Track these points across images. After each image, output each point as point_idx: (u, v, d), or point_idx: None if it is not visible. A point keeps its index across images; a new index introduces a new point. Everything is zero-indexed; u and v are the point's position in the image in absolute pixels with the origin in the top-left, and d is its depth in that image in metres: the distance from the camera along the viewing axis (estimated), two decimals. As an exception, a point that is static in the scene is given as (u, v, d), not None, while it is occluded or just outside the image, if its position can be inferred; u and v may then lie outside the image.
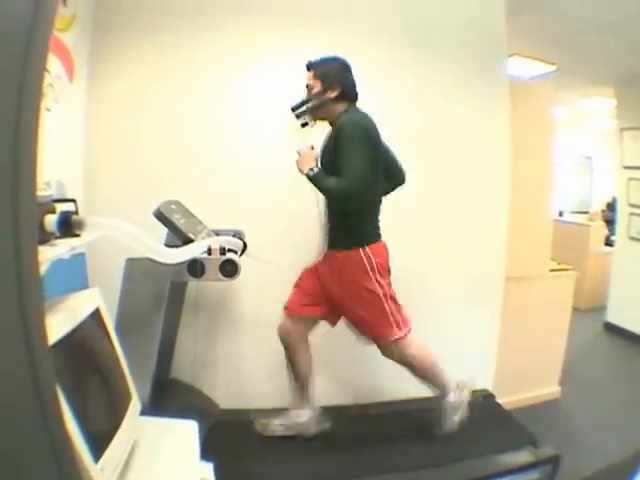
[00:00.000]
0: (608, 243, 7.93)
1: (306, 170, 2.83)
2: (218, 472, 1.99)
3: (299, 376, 3.19)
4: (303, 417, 3.21)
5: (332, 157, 2.84)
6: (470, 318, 4.00)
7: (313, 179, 2.82)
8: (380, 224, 3.06)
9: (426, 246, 3.87)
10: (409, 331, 3.08)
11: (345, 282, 2.99)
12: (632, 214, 6.51)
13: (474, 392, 3.65)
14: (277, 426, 3.23)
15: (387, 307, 2.99)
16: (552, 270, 4.70)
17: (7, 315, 0.83)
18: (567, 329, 4.74)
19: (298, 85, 3.01)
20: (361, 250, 2.92)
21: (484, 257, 4.04)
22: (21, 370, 0.85)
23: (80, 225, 1.52)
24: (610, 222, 7.98)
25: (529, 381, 4.52)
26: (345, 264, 2.96)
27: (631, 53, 5.19)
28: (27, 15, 0.82)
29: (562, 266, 4.82)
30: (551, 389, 4.70)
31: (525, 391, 4.47)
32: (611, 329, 6.68)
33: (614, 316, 6.71)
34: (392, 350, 3.09)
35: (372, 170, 2.81)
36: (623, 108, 6.68)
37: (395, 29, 3.69)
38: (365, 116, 2.91)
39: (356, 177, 2.71)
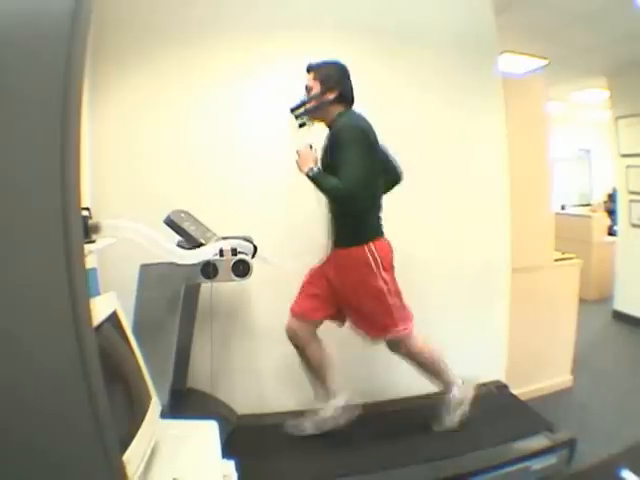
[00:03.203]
0: (611, 233, 7.96)
1: (306, 169, 2.89)
2: (240, 470, 2.01)
3: (315, 371, 3.22)
4: (329, 411, 3.21)
5: (330, 158, 2.91)
6: (479, 310, 4.04)
7: (313, 179, 2.88)
8: (382, 221, 3.10)
9: (432, 242, 3.91)
10: (412, 326, 3.12)
11: (350, 279, 3.03)
12: (632, 201, 6.54)
13: (487, 384, 3.71)
14: (307, 425, 3.24)
15: (391, 302, 3.03)
16: (557, 260, 4.73)
17: (60, 302, 0.91)
18: (575, 317, 4.75)
19: (295, 91, 3.08)
20: (365, 247, 2.96)
21: (489, 250, 4.07)
22: (70, 348, 0.92)
23: (96, 229, 1.56)
24: (612, 212, 8.02)
25: (541, 371, 4.53)
26: (350, 261, 3.01)
27: (619, 42, 5.23)
28: (69, 14, 0.90)
29: (566, 255, 4.85)
30: (563, 378, 4.71)
31: (538, 381, 4.49)
32: (619, 317, 6.68)
33: (621, 304, 6.72)
34: (399, 345, 3.13)
35: (370, 170, 2.87)
36: (616, 97, 6.70)
37: (385, 30, 3.73)
38: (362, 118, 2.97)
39: (354, 177, 2.77)
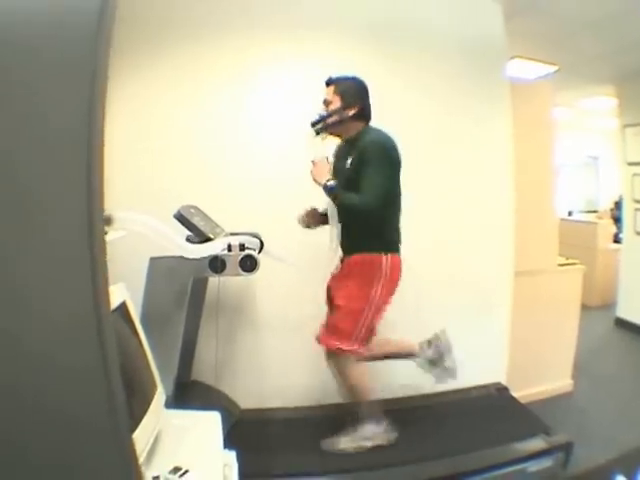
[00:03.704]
0: (617, 240, 7.96)
1: (323, 181, 2.90)
2: (240, 461, 2.05)
3: (359, 395, 3.15)
4: (370, 429, 3.16)
5: (352, 174, 2.92)
6: (481, 312, 4.06)
7: (331, 191, 2.90)
8: (401, 237, 3.13)
9: (435, 244, 3.94)
10: (357, 350, 3.05)
11: (350, 278, 3.05)
12: (638, 209, 6.54)
13: (487, 385, 3.74)
14: (347, 443, 3.15)
15: (364, 315, 3.01)
16: (560, 265, 4.76)
17: (83, 285, 0.97)
18: (577, 322, 4.78)
19: (309, 94, 3.15)
20: (383, 256, 2.99)
21: (493, 253, 4.10)
22: (90, 330, 0.99)
23: (109, 221, 1.61)
24: (618, 220, 8.02)
25: (541, 374, 4.56)
26: (362, 266, 3.03)
27: (627, 50, 5.23)
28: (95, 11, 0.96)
29: (570, 261, 4.88)
30: (564, 382, 4.74)
31: (538, 384, 4.51)
32: (622, 324, 6.68)
33: (624, 311, 6.71)
34: (336, 360, 3.09)
35: (391, 188, 2.93)
36: (624, 105, 6.71)
37: (395, 36, 3.78)
38: (389, 137, 2.98)
39: (374, 196, 2.81)
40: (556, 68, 5.36)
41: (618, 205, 8.58)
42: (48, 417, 0.99)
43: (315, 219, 3.16)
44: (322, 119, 3.02)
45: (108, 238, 1.63)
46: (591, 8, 4.21)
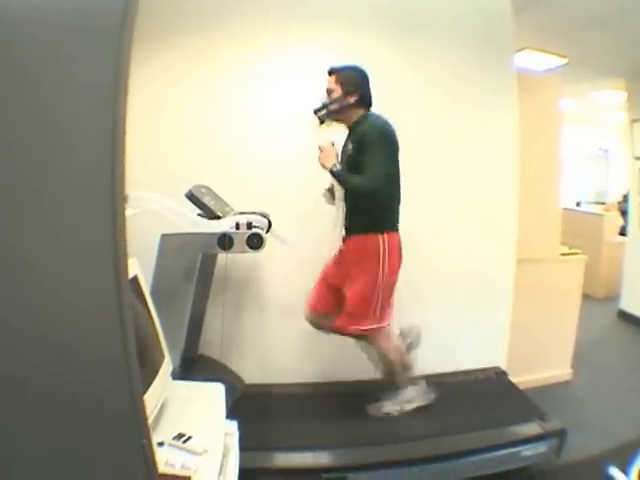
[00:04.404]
0: (623, 233, 7.97)
1: (329, 166, 3.02)
2: (242, 431, 2.15)
3: (395, 366, 3.31)
4: (410, 393, 3.35)
5: (354, 157, 3.05)
6: (483, 298, 4.13)
7: (337, 175, 3.03)
8: (399, 217, 3.22)
9: (439, 232, 4.01)
10: (382, 327, 3.20)
11: (357, 260, 3.16)
12: (644, 204, 6.54)
13: (487, 369, 3.80)
14: (390, 407, 3.33)
15: (376, 295, 3.12)
16: (563, 254, 4.80)
17: (106, 256, 1.11)
18: (578, 312, 4.81)
19: (313, 81, 3.24)
20: (380, 236, 3.09)
21: (496, 241, 4.15)
22: (111, 298, 1.12)
23: (124, 199, 1.69)
24: (625, 213, 8.02)
25: (541, 362, 4.63)
26: (363, 247, 3.13)
27: (637, 45, 5.25)
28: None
29: (573, 251, 4.92)
30: (563, 371, 4.80)
31: (537, 371, 4.57)
32: (625, 317, 6.70)
33: (628, 304, 6.73)
34: (367, 340, 3.25)
35: (392, 170, 3.04)
36: (633, 100, 6.70)
37: (403, 26, 3.83)
38: (387, 122, 3.09)
39: (378, 177, 2.93)
40: (566, 61, 5.38)
41: (626, 198, 8.60)
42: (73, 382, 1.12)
43: (331, 155, 3.20)
44: (324, 107, 3.14)
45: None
46: (601, 4, 4.24)
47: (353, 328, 3.14)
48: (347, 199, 3.16)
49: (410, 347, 3.41)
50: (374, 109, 3.19)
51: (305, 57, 3.54)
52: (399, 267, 3.20)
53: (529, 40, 4.89)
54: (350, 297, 3.17)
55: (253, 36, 3.67)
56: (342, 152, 3.18)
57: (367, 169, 2.94)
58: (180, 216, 1.98)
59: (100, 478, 1.17)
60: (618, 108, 8.15)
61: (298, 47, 3.72)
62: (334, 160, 3.04)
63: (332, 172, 3.02)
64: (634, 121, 6.63)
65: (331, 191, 3.26)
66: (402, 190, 3.23)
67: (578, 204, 9.61)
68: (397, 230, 3.20)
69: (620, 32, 4.89)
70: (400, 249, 3.20)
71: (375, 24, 3.79)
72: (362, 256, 3.13)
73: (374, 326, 3.14)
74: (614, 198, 9.87)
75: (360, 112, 3.15)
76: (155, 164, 3.55)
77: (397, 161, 3.09)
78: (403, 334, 3.44)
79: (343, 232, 3.25)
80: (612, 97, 7.88)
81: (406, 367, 3.33)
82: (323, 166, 3.06)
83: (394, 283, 3.21)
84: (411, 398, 3.33)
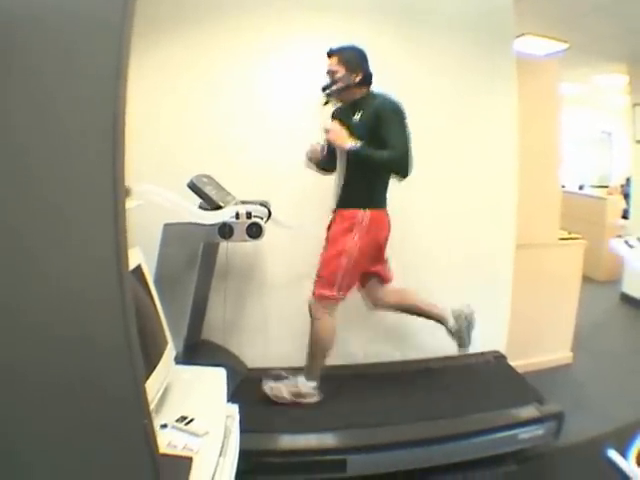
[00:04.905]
0: (626, 216, 7.98)
1: (349, 145, 3.04)
2: (243, 414, 2.21)
3: (314, 348, 3.35)
4: (309, 387, 3.34)
5: (369, 133, 3.07)
6: (483, 283, 4.16)
7: (360, 152, 3.04)
8: (387, 196, 3.29)
9: (439, 217, 4.05)
10: (336, 300, 3.24)
11: (334, 231, 3.24)
12: (646, 188, 6.55)
13: (486, 353, 3.86)
14: (285, 391, 3.33)
15: (342, 263, 3.17)
16: (562, 239, 4.84)
17: (108, 252, 1.16)
18: (577, 296, 4.84)
19: (318, 71, 3.24)
20: (360, 211, 3.16)
21: (496, 227, 4.19)
22: (113, 288, 1.18)
23: (127, 192, 1.75)
24: (628, 196, 8.03)
25: (541, 345, 4.67)
26: (343, 221, 3.20)
27: (639, 31, 5.25)
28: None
29: (572, 235, 4.95)
30: (563, 354, 4.84)
31: (538, 355, 4.62)
32: (627, 300, 6.71)
33: (630, 287, 6.73)
34: (314, 307, 3.27)
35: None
36: (635, 84, 6.70)
37: (403, 15, 3.86)
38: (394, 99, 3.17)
39: (405, 147, 3.03)
40: (567, 46, 5.38)
41: (629, 181, 8.61)
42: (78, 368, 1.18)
43: (316, 155, 3.30)
44: (331, 84, 3.18)
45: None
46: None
47: (317, 291, 3.21)
48: (349, 173, 3.22)
49: (468, 328, 3.49)
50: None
51: (307, 48, 3.57)
52: (377, 243, 3.27)
53: (530, 26, 4.89)
54: (321, 260, 3.26)
55: (256, 28, 3.70)
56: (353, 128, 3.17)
57: (391, 142, 3.01)
58: (181, 207, 2.05)
59: (103, 459, 1.22)
60: (621, 91, 8.14)
61: (301, 38, 3.75)
62: (349, 138, 3.05)
63: (354, 151, 3.05)
64: (636, 105, 6.63)
65: (315, 159, 3.32)
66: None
67: (581, 187, 9.62)
68: (384, 208, 3.28)
69: (622, 17, 4.87)
70: (384, 226, 3.27)
71: (376, 14, 3.81)
72: (341, 225, 3.21)
73: (333, 294, 3.19)
74: (617, 181, 9.88)
75: (363, 90, 3.22)
76: (159, 154, 3.61)
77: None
78: (456, 316, 3.51)
79: (335, 204, 3.31)
80: (615, 80, 7.84)
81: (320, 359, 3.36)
82: (339, 146, 3.10)
83: (368, 259, 3.27)
84: (306, 393, 3.33)
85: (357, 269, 3.25)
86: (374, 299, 3.49)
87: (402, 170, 3.08)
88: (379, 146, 3.02)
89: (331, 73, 3.19)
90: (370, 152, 3.03)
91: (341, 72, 3.15)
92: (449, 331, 3.50)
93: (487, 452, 3.11)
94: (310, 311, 3.28)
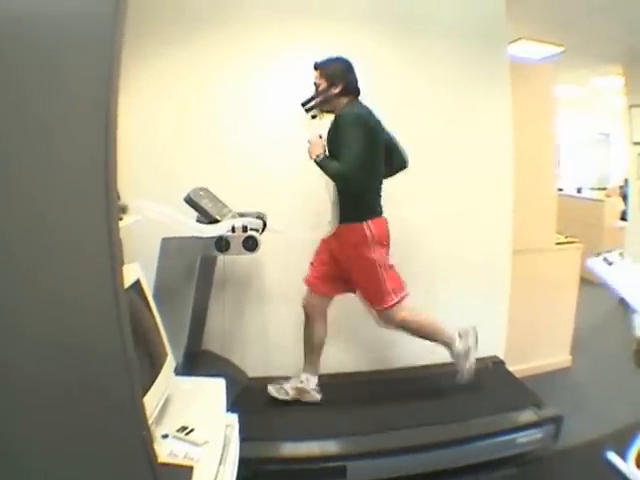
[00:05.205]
0: (624, 218, 7.98)
1: (314, 156, 3.14)
2: (243, 423, 2.25)
3: (313, 345, 3.49)
4: (311, 384, 3.48)
5: (332, 144, 3.16)
6: (481, 289, 4.18)
7: (319, 164, 3.13)
8: (381, 201, 3.35)
9: (435, 223, 4.08)
10: (403, 297, 3.35)
11: (348, 252, 3.29)
12: (644, 190, 6.53)
13: (484, 358, 3.87)
14: (288, 390, 3.47)
15: (381, 276, 3.27)
16: (559, 243, 4.86)
17: (103, 266, 1.19)
18: (575, 300, 4.86)
19: (307, 81, 3.30)
20: (364, 224, 3.21)
21: (492, 232, 4.21)
22: (108, 301, 1.21)
23: (124, 209, 1.81)
24: (627, 197, 8.04)
25: (540, 349, 4.70)
26: (350, 236, 3.26)
27: (634, 33, 5.27)
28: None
29: (569, 239, 4.96)
30: (562, 358, 4.87)
31: (537, 359, 4.65)
32: (626, 303, 6.66)
33: (629, 289, 6.70)
34: (386, 316, 3.38)
35: (369, 153, 3.10)
36: (631, 85, 6.69)
37: (398, 23, 3.91)
38: (363, 107, 3.25)
39: (352, 160, 3.02)
40: (562, 49, 5.42)
41: (627, 182, 8.63)
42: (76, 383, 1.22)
43: (317, 147, 3.25)
44: (310, 99, 3.27)
45: (123, 223, 1.83)
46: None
47: (383, 307, 3.32)
48: (337, 188, 3.26)
49: (469, 350, 3.47)
50: (371, 102, 3.29)
51: (304, 58, 3.61)
52: (389, 245, 3.35)
53: (526, 30, 4.94)
54: (366, 286, 3.37)
55: (252, 37, 3.74)
56: (327, 141, 3.26)
57: (343, 155, 3.05)
58: (177, 222, 2.11)
59: (103, 469, 1.27)
60: (618, 93, 8.17)
61: (298, 48, 3.79)
62: (320, 151, 3.14)
63: (316, 161, 3.14)
64: (632, 106, 6.63)
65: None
66: (397, 181, 3.39)
67: (579, 190, 9.64)
68: (380, 214, 3.33)
69: (617, 19, 4.92)
70: (385, 230, 3.33)
71: (371, 22, 3.86)
72: (348, 243, 3.28)
73: (397, 299, 3.32)
74: (616, 182, 9.88)
75: (345, 101, 3.26)
76: (157, 165, 3.68)
77: (376, 149, 3.21)
78: (462, 335, 3.50)
79: (336, 220, 3.35)
80: (612, 82, 7.88)
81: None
82: (310, 157, 3.18)
83: (388, 260, 3.35)
84: (310, 389, 3.46)
85: (392, 272, 3.36)
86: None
87: (347, 185, 3.15)
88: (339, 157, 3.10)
89: (315, 85, 3.28)
90: (324, 164, 3.12)
91: (323, 85, 3.25)
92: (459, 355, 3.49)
93: (486, 456, 3.15)
94: (305, 311, 3.46)
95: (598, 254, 1.04)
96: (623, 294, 1.02)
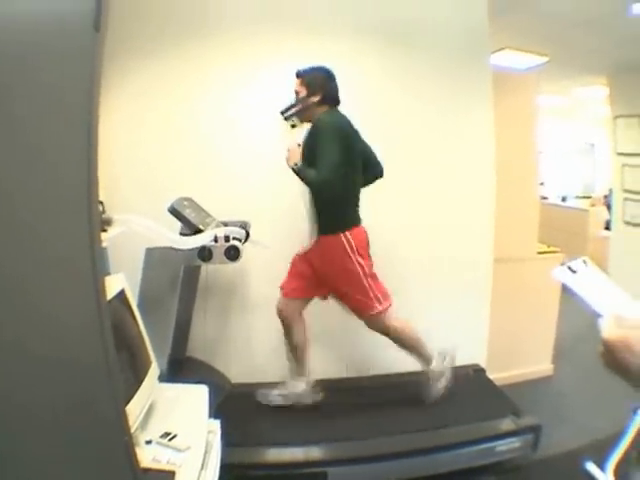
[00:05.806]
0: (609, 227, 8.06)
1: (291, 164, 3.20)
2: (225, 429, 2.30)
3: (296, 349, 3.53)
4: (299, 388, 3.52)
5: (311, 152, 3.17)
6: (462, 297, 4.23)
7: (296, 172, 3.18)
8: (359, 211, 3.40)
9: (416, 231, 4.13)
10: (389, 305, 3.40)
11: (331, 264, 3.33)
12: (626, 199, 6.66)
13: (465, 366, 3.91)
14: (276, 396, 3.52)
15: (366, 284, 3.32)
16: (541, 252, 4.92)
17: (86, 279, 1.22)
18: (557, 309, 4.91)
19: (290, 93, 3.35)
20: (342, 235, 3.25)
21: (473, 241, 4.27)
22: (92, 313, 1.24)
23: (109, 222, 1.87)
24: (611, 207, 8.12)
25: (521, 358, 4.74)
26: (329, 248, 3.30)
27: (618, 45, 5.36)
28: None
29: (551, 249, 5.02)
30: (543, 366, 4.92)
31: (519, 368, 4.70)
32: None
33: (611, 298, 6.74)
34: (375, 322, 3.43)
35: (344, 161, 3.12)
36: (615, 96, 6.81)
37: (375, 28, 3.94)
38: (340, 115, 3.29)
39: (329, 168, 3.04)
40: (546, 59, 5.48)
41: (612, 192, 8.72)
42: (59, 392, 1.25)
43: (295, 155, 3.29)
44: (289, 107, 3.31)
45: (108, 235, 1.88)
46: (582, 8, 4.34)
47: (370, 313, 3.37)
48: (314, 198, 3.31)
49: (444, 372, 3.54)
50: (352, 113, 3.34)
51: (287, 69, 3.64)
52: (368, 253, 3.39)
53: (509, 40, 4.98)
54: (351, 295, 3.39)
55: (233, 51, 3.80)
56: (304, 149, 3.29)
57: (318, 163, 3.08)
58: (160, 235, 2.17)
59: (86, 474, 1.31)
60: (602, 103, 8.26)
61: (281, 60, 3.80)
62: (297, 159, 3.18)
63: (293, 169, 3.18)
64: (616, 117, 6.73)
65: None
66: (379, 189, 3.47)
67: (564, 199, 9.72)
68: (359, 223, 3.38)
69: (602, 33, 5.01)
70: (364, 238, 3.37)
71: (354, 33, 3.91)
72: (334, 258, 3.31)
73: (384, 306, 3.37)
74: (601, 192, 9.97)
75: (323, 110, 3.29)
76: (142, 177, 3.73)
77: (352, 157, 3.24)
78: (440, 356, 3.57)
79: (314, 231, 3.39)
80: (596, 92, 7.95)
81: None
82: (288, 165, 3.23)
83: (372, 268, 3.39)
84: (301, 394, 3.51)
85: (377, 279, 3.41)
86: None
87: (324, 193, 3.18)
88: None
89: (296, 94, 3.32)
90: (302, 172, 3.16)
91: (302, 93, 3.29)
92: (427, 372, 3.57)
93: (465, 464, 3.18)
94: (281, 318, 3.50)
95: (562, 263, 1.06)
96: (587, 300, 1.03)
